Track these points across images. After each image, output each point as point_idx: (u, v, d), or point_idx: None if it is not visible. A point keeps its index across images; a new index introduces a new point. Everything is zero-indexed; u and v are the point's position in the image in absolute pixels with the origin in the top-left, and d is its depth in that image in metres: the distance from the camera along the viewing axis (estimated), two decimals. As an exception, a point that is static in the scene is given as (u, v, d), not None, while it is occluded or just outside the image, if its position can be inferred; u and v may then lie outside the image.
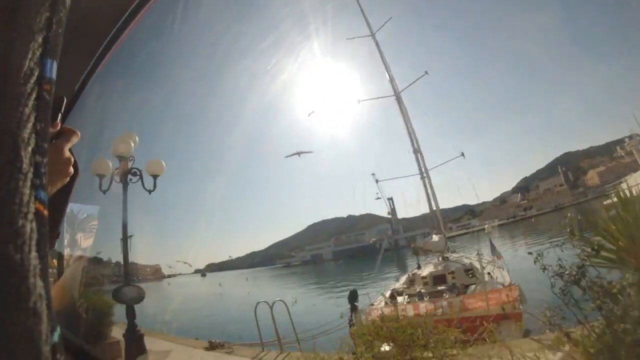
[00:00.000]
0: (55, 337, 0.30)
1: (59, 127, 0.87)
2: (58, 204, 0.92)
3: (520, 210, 29.62)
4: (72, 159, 0.87)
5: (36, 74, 0.34)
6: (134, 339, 4.91)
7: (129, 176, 5.19)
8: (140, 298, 5.08)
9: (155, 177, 5.33)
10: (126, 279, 5.23)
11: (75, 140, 0.89)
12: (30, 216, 0.32)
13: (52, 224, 0.92)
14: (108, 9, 0.67)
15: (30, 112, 0.34)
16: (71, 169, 0.88)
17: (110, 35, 0.75)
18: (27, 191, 0.31)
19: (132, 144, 5.31)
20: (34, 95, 0.34)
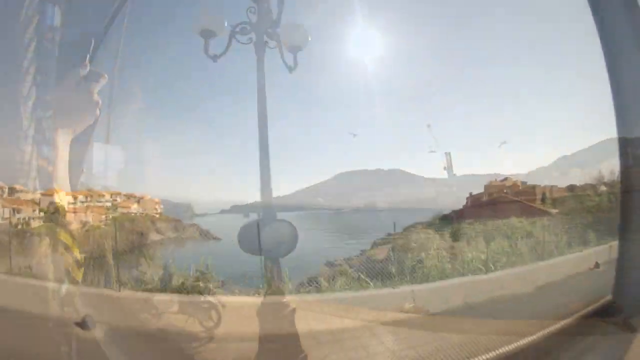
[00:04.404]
0: None
1: (87, 68, 0.87)
2: (82, 143, 0.96)
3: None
4: (100, 102, 0.89)
5: (35, 21, 0.31)
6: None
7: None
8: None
9: (296, 50, 3.61)
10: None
11: (103, 82, 0.90)
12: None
13: (77, 162, 0.96)
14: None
15: (29, 64, 0.32)
16: (97, 111, 0.90)
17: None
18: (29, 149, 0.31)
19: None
20: (33, 45, 0.31)
